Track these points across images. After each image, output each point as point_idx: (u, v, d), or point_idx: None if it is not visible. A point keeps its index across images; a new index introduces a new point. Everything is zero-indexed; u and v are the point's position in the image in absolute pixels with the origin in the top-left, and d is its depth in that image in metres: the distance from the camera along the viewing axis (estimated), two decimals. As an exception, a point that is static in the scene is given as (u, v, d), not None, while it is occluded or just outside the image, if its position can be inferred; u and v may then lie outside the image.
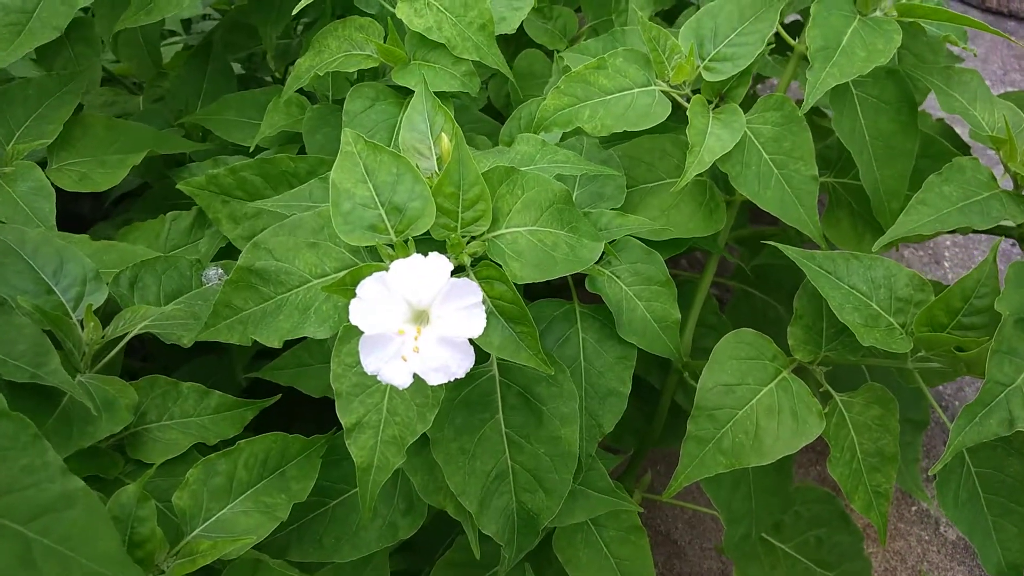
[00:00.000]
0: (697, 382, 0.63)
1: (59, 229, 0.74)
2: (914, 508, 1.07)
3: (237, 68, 1.16)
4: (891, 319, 0.63)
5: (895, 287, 0.63)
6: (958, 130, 0.90)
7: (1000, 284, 0.61)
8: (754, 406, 0.63)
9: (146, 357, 1.02)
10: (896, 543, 1.05)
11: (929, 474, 0.58)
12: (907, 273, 0.63)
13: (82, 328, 0.60)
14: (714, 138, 0.63)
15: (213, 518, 0.56)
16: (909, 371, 0.65)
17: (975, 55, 0.67)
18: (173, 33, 1.25)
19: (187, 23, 1.28)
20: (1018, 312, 0.57)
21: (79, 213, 1.19)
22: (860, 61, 0.62)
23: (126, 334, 0.61)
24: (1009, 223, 0.67)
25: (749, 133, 0.66)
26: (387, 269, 0.48)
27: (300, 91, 0.82)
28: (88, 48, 0.93)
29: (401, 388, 0.48)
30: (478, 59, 0.73)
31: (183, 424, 0.61)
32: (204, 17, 1.27)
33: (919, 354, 0.63)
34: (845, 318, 0.61)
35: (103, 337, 0.60)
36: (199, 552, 0.52)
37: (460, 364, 0.47)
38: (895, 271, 0.63)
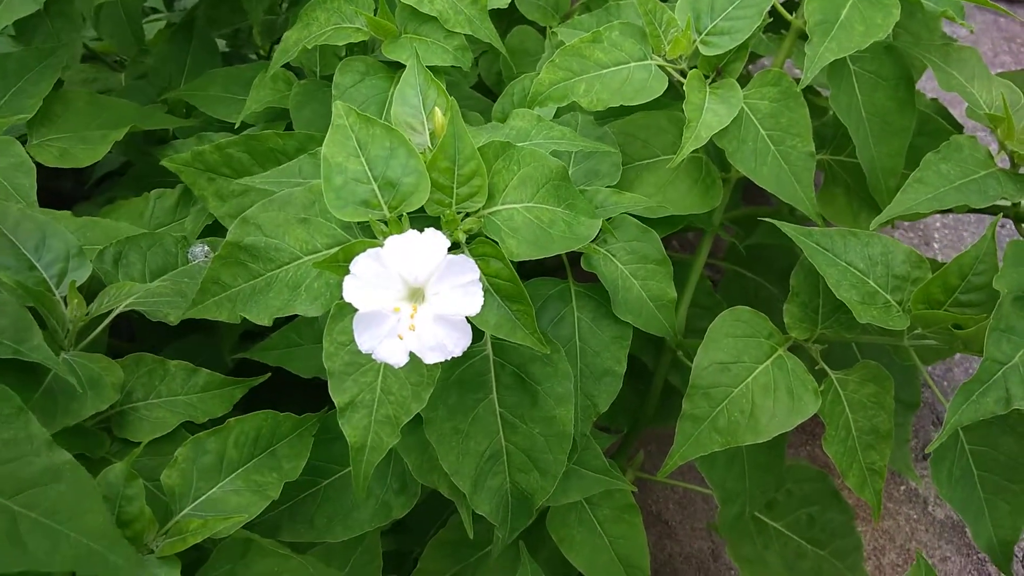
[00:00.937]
0: (691, 361, 0.63)
1: (41, 207, 0.72)
2: (903, 488, 1.08)
3: (221, 45, 1.14)
4: (888, 296, 0.62)
5: (892, 264, 0.63)
6: (952, 110, 0.90)
7: (998, 262, 0.60)
8: (750, 384, 0.63)
9: (132, 337, 1.01)
10: (885, 522, 1.05)
11: (926, 452, 0.58)
12: (904, 250, 0.63)
13: (65, 305, 0.59)
14: (711, 113, 0.63)
15: (203, 497, 0.55)
16: (905, 349, 0.65)
17: (972, 31, 0.67)
18: (155, 11, 1.23)
19: (170, 1, 1.25)
20: (1017, 290, 0.57)
21: (60, 192, 1.17)
22: (859, 35, 0.61)
23: (111, 311, 0.60)
24: (1005, 202, 0.67)
25: (746, 109, 0.65)
26: (381, 246, 0.47)
27: (287, 66, 0.81)
28: (68, 23, 0.91)
29: (397, 367, 0.47)
30: (471, 33, 0.72)
31: (170, 403, 0.60)
32: (189, -8, 1.24)
33: (915, 331, 0.63)
34: (842, 295, 0.61)
35: (87, 314, 0.59)
36: (189, 531, 0.51)
37: (457, 342, 0.47)
38: (892, 248, 0.63)
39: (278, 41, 1.07)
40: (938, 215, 1.26)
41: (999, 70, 1.46)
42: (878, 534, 1.04)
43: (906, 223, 1.28)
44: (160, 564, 0.50)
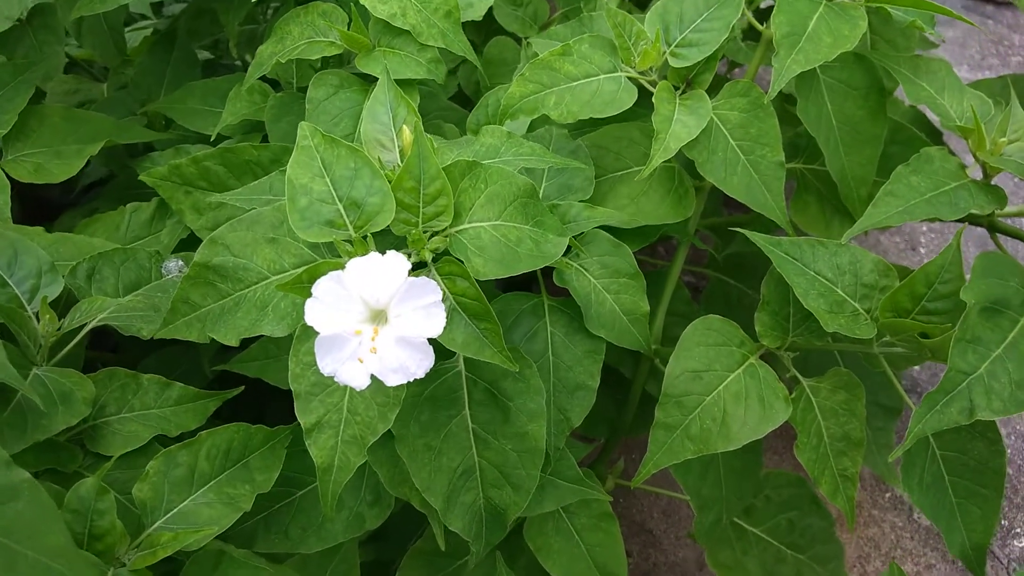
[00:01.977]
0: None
1: (27, 216, 0.73)
2: (888, 495, 1.08)
3: (204, 54, 1.15)
4: (856, 305, 0.63)
5: (860, 273, 0.63)
6: (932, 117, 0.90)
7: (965, 271, 0.61)
8: (721, 392, 0.63)
9: (114, 348, 1.01)
10: (870, 529, 1.06)
11: (889, 459, 0.58)
12: (872, 259, 0.63)
13: (38, 321, 0.59)
14: (680, 125, 0.63)
15: (175, 510, 0.55)
16: (875, 356, 0.65)
17: (942, 40, 0.67)
18: (144, 17, 1.23)
19: (157, 6, 1.26)
20: (983, 301, 0.58)
21: (48, 199, 1.17)
22: (826, 47, 0.62)
23: (84, 326, 0.60)
24: (978, 212, 0.68)
25: (716, 119, 0.65)
26: (344, 267, 0.47)
27: (264, 79, 0.81)
28: (51, 35, 0.92)
29: (359, 390, 0.47)
30: (444, 46, 0.72)
31: (143, 416, 0.61)
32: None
33: (884, 339, 0.64)
34: (810, 304, 0.61)
35: (59, 329, 0.59)
36: (160, 544, 0.52)
37: (419, 364, 0.47)
38: (860, 257, 0.63)
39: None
40: (924, 220, 1.27)
41: (986, 72, 1.47)
42: (863, 541, 1.04)
43: (893, 227, 1.28)
44: (131, 577, 0.51)
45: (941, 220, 0.65)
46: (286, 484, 0.64)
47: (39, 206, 1.11)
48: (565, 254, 0.59)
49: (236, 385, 0.68)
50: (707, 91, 0.67)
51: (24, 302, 0.60)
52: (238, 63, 1.16)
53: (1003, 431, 1.09)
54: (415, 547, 0.71)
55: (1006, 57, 1.51)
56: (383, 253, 0.47)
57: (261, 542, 0.64)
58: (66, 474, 0.57)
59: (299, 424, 0.64)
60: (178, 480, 0.56)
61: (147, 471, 0.55)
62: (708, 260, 1.00)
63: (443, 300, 0.47)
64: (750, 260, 0.94)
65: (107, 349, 1.02)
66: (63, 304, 0.64)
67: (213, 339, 0.82)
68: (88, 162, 0.81)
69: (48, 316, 0.58)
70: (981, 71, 1.47)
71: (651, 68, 0.67)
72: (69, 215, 0.94)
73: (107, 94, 1.02)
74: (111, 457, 0.57)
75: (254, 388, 0.75)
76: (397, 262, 0.46)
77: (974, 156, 0.69)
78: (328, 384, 0.53)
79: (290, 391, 0.75)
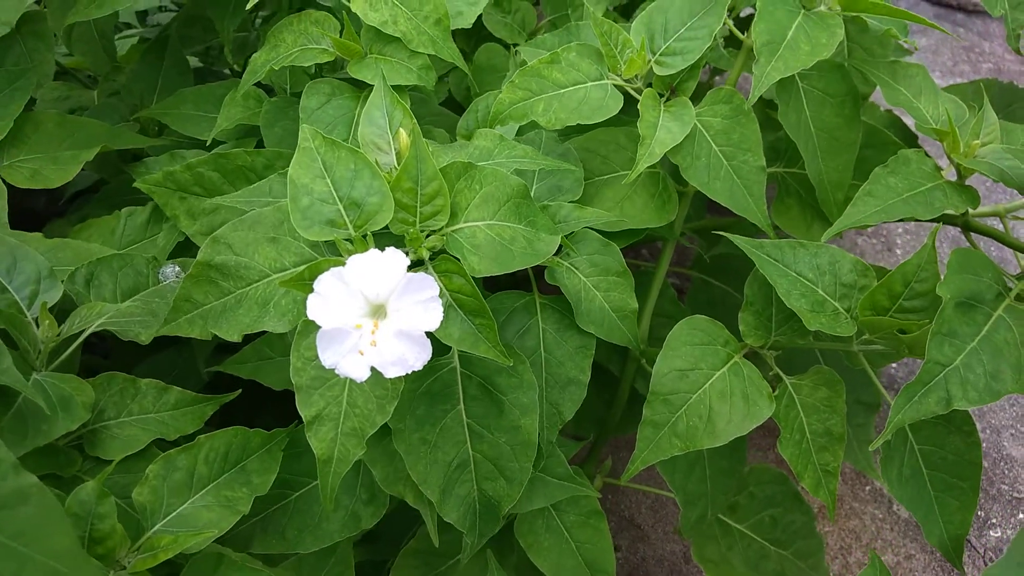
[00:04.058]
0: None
1: (13, 227, 0.73)
2: (868, 488, 1.10)
3: (194, 62, 1.15)
4: (836, 304, 0.65)
5: (840, 273, 0.65)
6: (906, 120, 0.92)
7: (940, 269, 0.63)
8: (707, 390, 0.65)
9: (108, 354, 1.01)
10: (851, 522, 1.08)
11: (870, 449, 0.60)
12: (851, 259, 0.65)
13: (37, 326, 0.60)
14: (664, 131, 0.65)
15: (174, 513, 0.56)
16: (855, 353, 0.67)
17: (916, 48, 0.69)
18: (129, 26, 1.24)
19: (142, 15, 1.26)
20: (958, 296, 0.60)
21: (34, 210, 1.17)
22: (804, 55, 0.64)
23: (82, 331, 0.61)
24: (953, 212, 0.70)
25: (699, 125, 0.67)
26: (344, 264, 0.48)
27: (258, 84, 0.82)
28: (41, 42, 0.92)
29: (359, 381, 0.49)
30: (434, 53, 0.74)
31: (142, 420, 0.61)
32: (161, 9, 1.26)
33: (863, 337, 0.66)
34: (792, 304, 0.63)
35: (59, 335, 0.60)
36: (160, 547, 0.52)
37: (417, 357, 0.48)
38: (839, 258, 0.65)
39: (250, 56, 1.09)
40: (900, 222, 1.30)
41: (958, 79, 1.50)
42: (844, 533, 1.06)
43: (869, 230, 1.31)
44: (132, 580, 0.52)
45: (917, 220, 0.67)
46: (282, 486, 0.66)
47: (25, 217, 1.11)
48: (556, 253, 0.60)
49: (230, 390, 0.69)
50: (691, 98, 0.69)
51: (23, 308, 0.60)
52: (226, 72, 1.17)
53: (978, 424, 1.11)
54: (408, 547, 0.73)
55: (977, 64, 1.55)
56: (382, 251, 0.48)
57: (258, 543, 0.65)
58: (65, 479, 0.58)
59: (296, 426, 0.66)
60: (177, 484, 0.57)
61: (147, 475, 0.56)
62: (693, 262, 1.02)
63: (440, 296, 0.48)
64: (734, 262, 0.96)
65: (100, 354, 1.03)
66: (58, 310, 0.65)
67: (208, 341, 0.84)
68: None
69: (48, 321, 0.59)
70: (953, 77, 1.50)
71: (637, 76, 0.69)
72: (57, 224, 0.95)
73: (98, 101, 1.02)
74: (110, 461, 0.58)
75: (248, 391, 0.75)
76: (396, 258, 0.48)
77: (949, 158, 0.71)
78: (328, 378, 0.55)
79: (284, 392, 0.77)
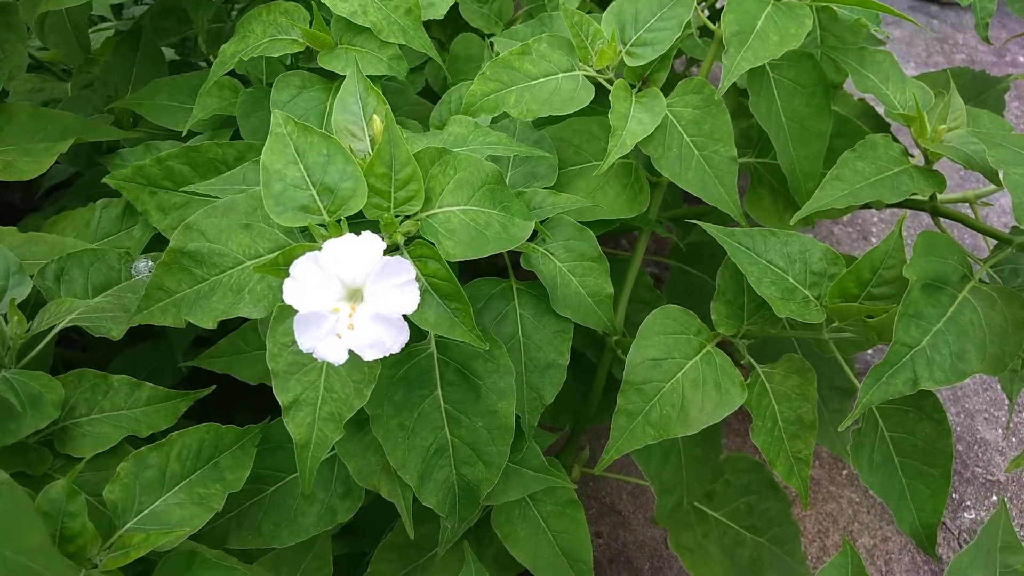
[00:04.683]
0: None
1: (-10, 220, 0.72)
2: (844, 472, 1.12)
3: (170, 53, 1.14)
4: (806, 292, 0.65)
5: (810, 261, 0.66)
6: (878, 108, 0.93)
7: (907, 255, 0.64)
8: (680, 379, 0.65)
9: (85, 348, 1.01)
10: (828, 505, 1.09)
11: (840, 430, 0.60)
12: (821, 248, 0.66)
13: (6, 323, 0.59)
14: (636, 122, 0.65)
15: (146, 511, 0.56)
16: (825, 341, 0.68)
17: (888, 38, 0.70)
18: (104, 19, 1.22)
19: (117, 8, 1.25)
20: (924, 278, 0.60)
21: (10, 203, 1.16)
22: (773, 45, 0.64)
23: (52, 327, 0.60)
24: (920, 196, 0.70)
25: (670, 116, 0.67)
26: (320, 249, 0.49)
27: (233, 74, 0.82)
28: (12, 34, 0.90)
29: (337, 364, 0.49)
30: (405, 43, 0.73)
31: (114, 417, 0.61)
32: (136, 2, 1.24)
33: (833, 325, 0.66)
34: (763, 291, 0.63)
35: (28, 331, 0.60)
36: (132, 545, 0.52)
37: (395, 340, 0.48)
38: (810, 246, 0.66)
39: (224, 48, 1.08)
40: (875, 211, 1.31)
41: (932, 69, 1.51)
42: (822, 516, 1.08)
43: (845, 218, 1.32)
44: (103, 579, 0.51)
45: (885, 203, 0.67)
46: (257, 481, 0.66)
47: (2, 211, 1.11)
48: (531, 239, 0.61)
49: (206, 384, 0.69)
50: (663, 88, 0.69)
51: (-9, 305, 0.60)
52: (202, 64, 1.16)
53: (952, 409, 1.13)
54: (386, 540, 0.73)
55: (951, 55, 1.56)
56: (358, 235, 0.48)
57: (234, 539, 0.65)
58: (36, 477, 0.57)
59: (269, 422, 0.66)
60: (149, 481, 0.57)
61: (118, 472, 0.56)
62: (670, 250, 1.03)
63: (415, 280, 0.48)
64: (709, 250, 0.96)
65: (77, 348, 1.02)
66: (31, 305, 0.64)
67: (185, 334, 0.84)
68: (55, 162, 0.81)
69: (17, 318, 0.58)
70: (927, 68, 1.51)
71: (608, 67, 0.69)
72: (33, 219, 0.94)
73: (72, 93, 1.01)
74: (81, 459, 0.58)
75: (225, 385, 0.75)
76: (372, 242, 0.48)
77: (916, 143, 0.71)
78: (305, 363, 0.55)
79: (259, 387, 0.77)
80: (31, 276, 0.62)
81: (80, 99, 0.99)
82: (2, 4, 0.89)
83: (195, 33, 1.09)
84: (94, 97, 0.99)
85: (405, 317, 0.49)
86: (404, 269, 0.48)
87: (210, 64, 1.14)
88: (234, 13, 1.12)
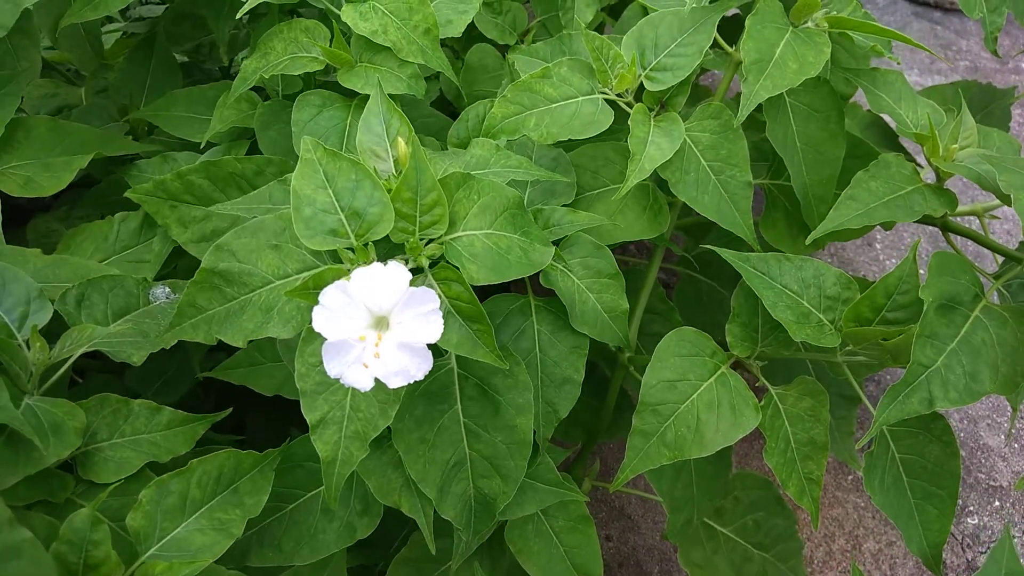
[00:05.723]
0: (641, 376, 0.66)
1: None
2: (850, 477, 1.13)
3: (181, 58, 1.14)
4: (821, 316, 0.66)
5: (824, 286, 0.66)
6: (886, 118, 0.92)
7: (921, 280, 0.64)
8: (695, 400, 0.66)
9: (98, 355, 1.01)
10: (834, 510, 1.10)
11: (856, 446, 0.61)
12: (835, 272, 0.66)
13: (28, 348, 0.60)
14: (654, 147, 0.65)
15: (168, 537, 0.56)
16: (838, 364, 0.68)
17: (899, 63, 0.70)
18: (111, 19, 1.22)
19: (124, 8, 1.24)
20: (940, 299, 0.61)
21: (19, 204, 1.16)
22: (792, 73, 0.64)
23: (71, 355, 0.61)
24: (932, 214, 0.71)
25: (688, 141, 0.68)
26: (348, 272, 0.50)
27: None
28: (27, 40, 0.90)
29: (363, 391, 0.50)
30: (423, 62, 0.74)
31: (134, 442, 0.62)
32: (142, 2, 1.24)
33: (847, 348, 0.67)
34: (778, 315, 0.64)
35: (50, 358, 0.60)
36: (155, 574, 0.53)
37: (419, 367, 0.50)
38: (824, 271, 0.66)
39: (239, 52, 1.08)
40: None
41: (936, 76, 1.51)
42: (828, 521, 1.09)
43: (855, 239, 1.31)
44: (127, 609, 0.52)
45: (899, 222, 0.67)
46: (277, 499, 0.66)
47: (10, 211, 1.10)
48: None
49: (221, 390, 0.69)
50: (679, 111, 0.69)
51: (14, 330, 0.60)
52: (215, 69, 1.15)
53: (955, 415, 1.13)
54: (400, 555, 0.74)
55: (955, 61, 1.56)
56: (383, 259, 0.49)
57: (255, 557, 0.66)
58: (56, 504, 0.58)
59: (288, 443, 0.67)
60: (170, 508, 0.57)
61: (140, 500, 0.57)
62: (680, 258, 1.03)
63: (439, 303, 0.49)
64: (719, 258, 0.96)
65: (90, 356, 1.02)
66: (49, 330, 0.65)
67: (200, 343, 0.84)
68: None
69: (39, 344, 0.59)
70: (931, 75, 1.51)
71: (627, 90, 0.69)
72: (42, 220, 0.94)
73: (85, 99, 1.01)
74: (103, 484, 0.58)
75: (236, 388, 0.76)
76: (399, 272, 0.49)
77: (928, 161, 0.71)
78: (332, 383, 0.56)
79: (274, 398, 0.78)
80: (52, 301, 0.62)
81: (95, 107, 0.99)
82: (16, 10, 0.89)
83: (209, 39, 1.09)
84: (108, 105, 0.99)
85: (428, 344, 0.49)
86: (430, 298, 0.49)
87: (222, 69, 1.14)
88: (246, 18, 1.12)
